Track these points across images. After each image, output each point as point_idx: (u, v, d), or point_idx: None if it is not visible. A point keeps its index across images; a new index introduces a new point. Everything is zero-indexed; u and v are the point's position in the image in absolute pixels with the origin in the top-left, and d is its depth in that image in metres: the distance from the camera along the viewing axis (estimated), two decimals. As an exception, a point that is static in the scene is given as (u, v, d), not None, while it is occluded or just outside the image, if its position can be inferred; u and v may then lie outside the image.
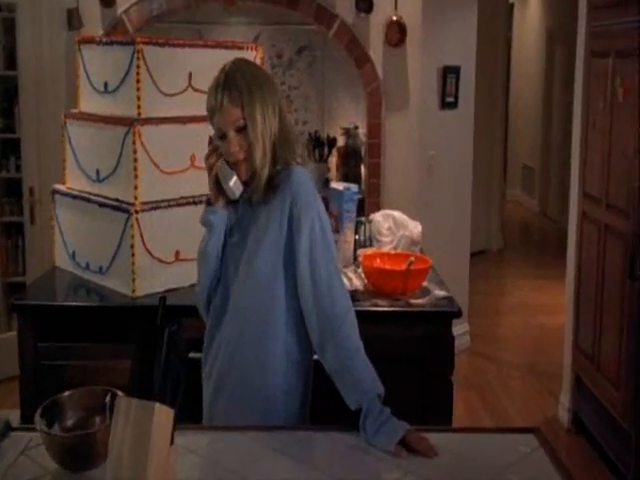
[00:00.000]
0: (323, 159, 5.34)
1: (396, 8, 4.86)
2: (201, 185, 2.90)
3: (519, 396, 4.87)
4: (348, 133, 5.35)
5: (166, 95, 2.89)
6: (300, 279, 1.95)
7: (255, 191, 1.99)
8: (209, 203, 2.08)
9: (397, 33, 4.87)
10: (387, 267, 2.90)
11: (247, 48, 3.18)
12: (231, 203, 2.07)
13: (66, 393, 1.75)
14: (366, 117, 5.05)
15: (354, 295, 2.60)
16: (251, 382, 2.00)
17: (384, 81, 4.96)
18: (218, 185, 2.02)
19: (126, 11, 4.85)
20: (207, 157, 2.03)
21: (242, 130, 1.94)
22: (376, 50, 4.93)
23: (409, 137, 5.00)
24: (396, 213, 3.28)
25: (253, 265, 1.97)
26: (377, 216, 3.29)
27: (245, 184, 2.03)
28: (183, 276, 2.83)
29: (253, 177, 1.99)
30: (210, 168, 2.02)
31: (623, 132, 3.69)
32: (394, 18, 4.88)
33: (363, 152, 5.23)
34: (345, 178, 5.11)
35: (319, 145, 5.34)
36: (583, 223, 4.23)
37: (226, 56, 3.02)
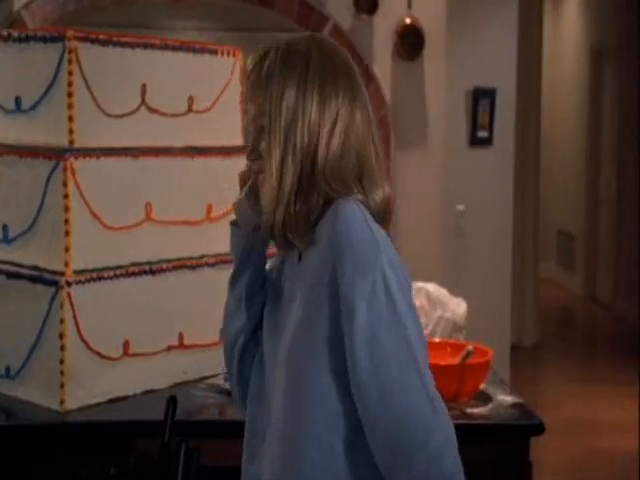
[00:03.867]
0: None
1: (410, 6, 4.92)
2: (161, 246, 2.95)
3: None
4: (341, 180, 5.35)
5: (110, 116, 2.90)
6: (356, 376, 1.79)
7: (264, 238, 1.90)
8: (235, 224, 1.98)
9: (411, 42, 4.93)
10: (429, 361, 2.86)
11: (222, 53, 3.23)
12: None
13: None
14: (367, 158, 5.05)
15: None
16: None
17: (393, 108, 5.05)
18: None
19: (27, 5, 4.84)
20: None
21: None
22: (382, 65, 5.02)
23: (428, 185, 5.10)
24: (431, 286, 3.32)
25: (281, 341, 1.87)
26: (405, 291, 3.30)
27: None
28: (135, 378, 2.85)
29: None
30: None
31: None
32: (407, 21, 5.01)
33: (363, 206, 5.22)
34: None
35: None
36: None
37: (193, 62, 3.12)
